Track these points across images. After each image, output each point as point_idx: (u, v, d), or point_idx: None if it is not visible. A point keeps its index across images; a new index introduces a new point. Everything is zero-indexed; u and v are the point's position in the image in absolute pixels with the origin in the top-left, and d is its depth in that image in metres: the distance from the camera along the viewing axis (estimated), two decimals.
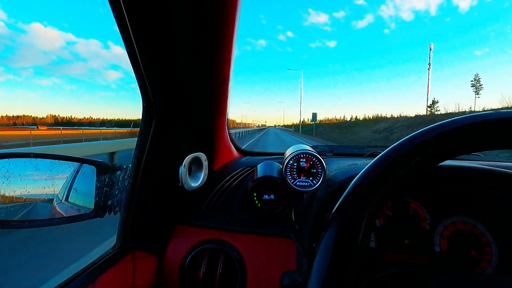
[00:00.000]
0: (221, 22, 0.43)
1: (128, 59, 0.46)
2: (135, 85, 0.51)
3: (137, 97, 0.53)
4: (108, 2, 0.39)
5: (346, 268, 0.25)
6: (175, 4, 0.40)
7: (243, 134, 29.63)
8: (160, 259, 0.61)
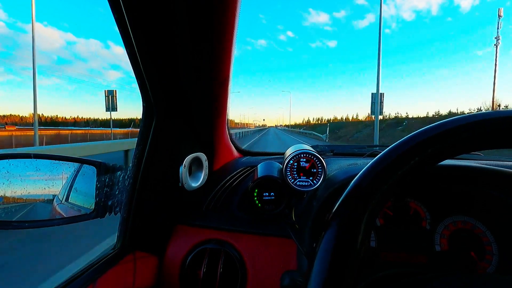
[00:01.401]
0: (221, 22, 0.43)
1: (128, 59, 0.46)
2: (135, 85, 0.51)
3: (136, 98, 0.53)
4: (108, 2, 0.39)
5: (346, 268, 0.25)
6: (175, 4, 0.40)
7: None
8: (161, 259, 0.61)
